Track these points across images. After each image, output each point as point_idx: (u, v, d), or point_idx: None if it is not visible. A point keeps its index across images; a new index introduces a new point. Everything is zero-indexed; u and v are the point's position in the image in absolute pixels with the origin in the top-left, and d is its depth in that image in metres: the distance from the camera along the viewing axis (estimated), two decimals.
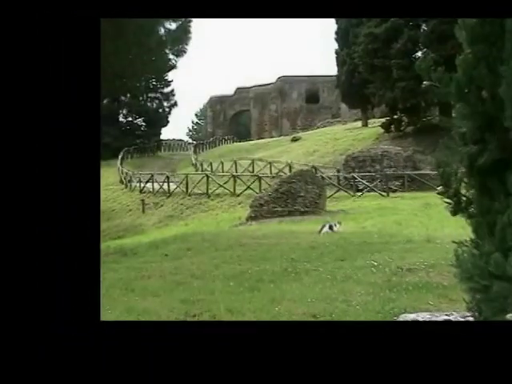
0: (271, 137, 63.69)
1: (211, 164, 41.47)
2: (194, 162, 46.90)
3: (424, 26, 31.49)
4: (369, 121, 45.90)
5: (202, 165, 43.10)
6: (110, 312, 6.22)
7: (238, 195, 29.55)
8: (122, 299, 7.30)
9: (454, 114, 2.53)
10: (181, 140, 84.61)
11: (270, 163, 36.27)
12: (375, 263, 8.41)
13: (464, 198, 2.59)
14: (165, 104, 64.51)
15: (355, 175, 27.86)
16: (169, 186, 33.56)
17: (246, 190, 29.53)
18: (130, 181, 38.46)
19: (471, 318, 2.67)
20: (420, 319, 3.81)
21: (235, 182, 30.58)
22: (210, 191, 30.99)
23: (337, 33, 43.76)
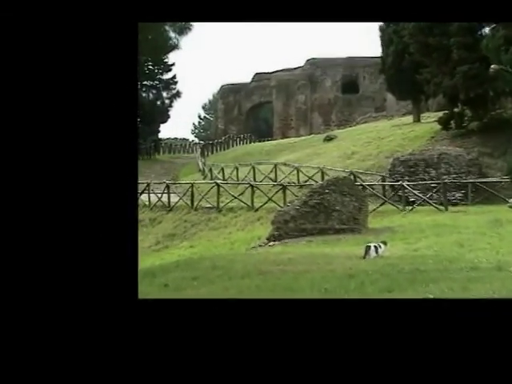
0: (298, 135, 63.78)
1: (223, 170, 41.61)
2: (201, 167, 47.11)
3: None
4: (422, 115, 45.79)
5: (211, 171, 43.25)
6: None
7: (257, 209, 29.59)
8: None
9: None
10: (184, 139, 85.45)
11: (297, 169, 36.24)
12: (431, 296, 8.36)
13: None
14: (164, 94, 64.65)
15: (405, 184, 27.71)
16: (169, 198, 33.63)
17: (266, 202, 29.57)
18: None
19: None
20: None
21: (253, 192, 30.66)
22: (221, 204, 31.11)
23: None
